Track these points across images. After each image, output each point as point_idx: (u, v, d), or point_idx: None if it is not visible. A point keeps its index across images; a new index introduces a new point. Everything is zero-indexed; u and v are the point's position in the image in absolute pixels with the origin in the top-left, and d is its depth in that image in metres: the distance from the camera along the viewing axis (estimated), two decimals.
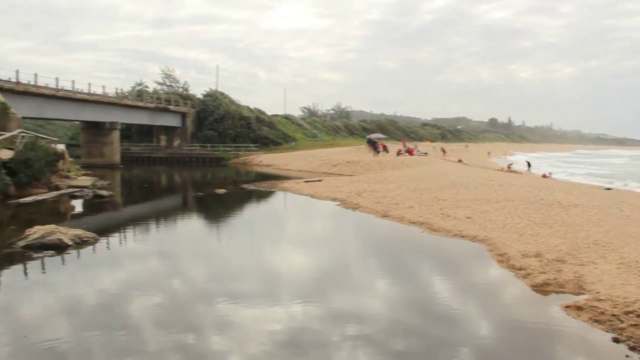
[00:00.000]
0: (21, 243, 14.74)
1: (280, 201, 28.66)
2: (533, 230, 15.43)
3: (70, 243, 14.78)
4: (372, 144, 56.18)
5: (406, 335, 8.74)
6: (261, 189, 32.68)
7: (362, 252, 15.81)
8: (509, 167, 46.91)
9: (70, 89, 50.25)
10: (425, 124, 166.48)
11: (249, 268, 13.48)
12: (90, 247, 15.10)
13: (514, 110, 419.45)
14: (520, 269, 12.01)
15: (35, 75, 45.00)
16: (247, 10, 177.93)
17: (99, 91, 56.54)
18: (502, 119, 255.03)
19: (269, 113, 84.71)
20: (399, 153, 53.42)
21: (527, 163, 47.10)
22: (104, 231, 17.61)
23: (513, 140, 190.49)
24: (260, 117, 77.31)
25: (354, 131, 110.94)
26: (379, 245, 16.50)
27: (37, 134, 33.88)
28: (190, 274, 12.97)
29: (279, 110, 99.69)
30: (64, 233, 15.10)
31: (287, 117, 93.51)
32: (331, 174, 43.12)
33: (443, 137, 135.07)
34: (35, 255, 13.98)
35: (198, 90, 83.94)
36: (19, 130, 30.55)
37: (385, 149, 56.40)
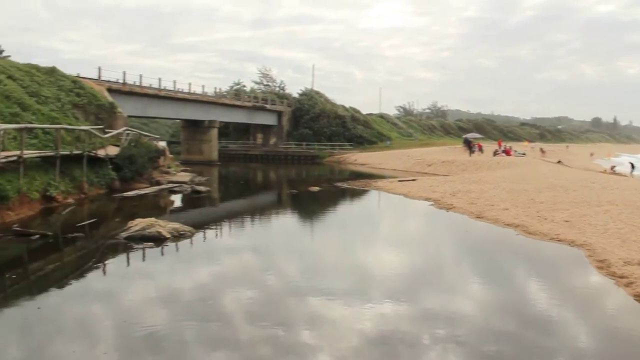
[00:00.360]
0: (124, 234, 15.52)
1: (374, 200, 28.61)
2: (638, 237, 14.60)
3: (168, 236, 15.40)
4: (468, 144, 55.08)
5: (499, 339, 8.52)
6: (355, 187, 32.75)
7: (454, 253, 15.54)
8: (612, 169, 44.58)
9: (171, 88, 52.19)
10: (523, 124, 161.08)
11: (341, 265, 13.56)
12: (187, 241, 15.65)
13: (620, 109, 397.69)
14: (621, 277, 11.41)
15: (140, 76, 47.14)
16: (343, 10, 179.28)
17: (199, 91, 58.42)
18: (607, 118, 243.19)
19: (364, 112, 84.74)
20: (495, 153, 52.06)
21: (630, 165, 44.51)
22: (201, 225, 18.19)
23: (619, 141, 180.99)
24: (355, 116, 77.44)
25: (450, 130, 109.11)
26: (472, 247, 16.15)
27: (141, 132, 35.46)
28: (283, 269, 13.21)
29: (374, 109, 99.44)
30: (163, 226, 15.74)
31: (382, 116, 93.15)
32: (425, 173, 42.61)
33: (542, 137, 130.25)
34: (136, 246, 14.68)
35: (294, 90, 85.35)
36: (125, 128, 32.08)
37: (480, 149, 55.14)
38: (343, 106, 79.69)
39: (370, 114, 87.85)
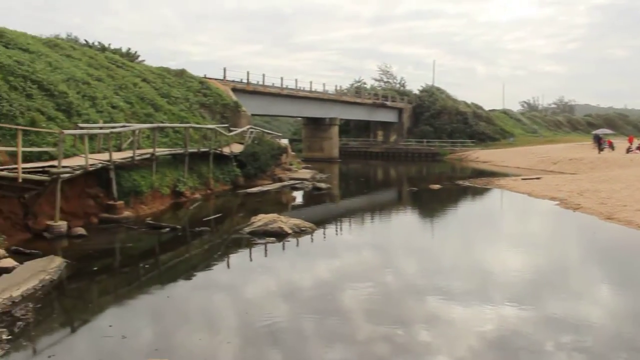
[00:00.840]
0: (247, 229, 16.01)
1: (496, 198, 27.72)
2: None
3: (289, 231, 15.70)
4: (598, 140, 52.01)
5: (632, 351, 7.93)
6: (476, 185, 31.91)
7: (582, 256, 14.71)
8: None
9: (293, 87, 53.27)
10: None
11: (461, 265, 13.24)
12: (307, 236, 15.89)
13: None
14: None
15: (263, 75, 48.41)
16: (464, 4, 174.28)
17: (320, 89, 59.16)
18: None
19: (486, 108, 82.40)
20: (628, 150, 48.80)
21: None
22: (321, 222, 18.40)
23: None
24: (477, 112, 75.46)
25: (578, 126, 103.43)
26: (602, 250, 15.21)
27: (264, 130, 36.48)
28: (402, 268, 13.08)
29: (497, 105, 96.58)
30: (285, 222, 16.07)
31: (505, 112, 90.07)
32: (550, 171, 40.69)
33: None
34: (258, 241, 15.11)
35: (414, 86, 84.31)
36: (248, 127, 33.13)
37: (611, 145, 51.84)
38: (465, 102, 77.89)
39: (493, 110, 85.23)
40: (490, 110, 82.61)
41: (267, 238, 15.25)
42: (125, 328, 8.64)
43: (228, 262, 13.74)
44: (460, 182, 34.25)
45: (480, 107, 79.32)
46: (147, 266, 12.95)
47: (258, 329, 8.62)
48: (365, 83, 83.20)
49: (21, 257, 12.32)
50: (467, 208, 25.93)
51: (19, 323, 8.69)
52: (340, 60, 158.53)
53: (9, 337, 8.11)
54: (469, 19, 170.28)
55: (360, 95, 67.40)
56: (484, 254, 14.80)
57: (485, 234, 17.91)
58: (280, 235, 15.44)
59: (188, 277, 12.12)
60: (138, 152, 19.50)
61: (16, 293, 9.83)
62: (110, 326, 8.68)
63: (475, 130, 70.84)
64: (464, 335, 8.35)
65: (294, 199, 26.08)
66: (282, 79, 51.08)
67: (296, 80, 53.79)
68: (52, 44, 28.02)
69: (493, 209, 25.26)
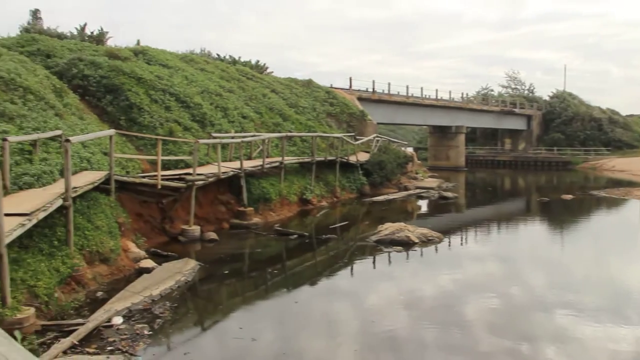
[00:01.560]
0: (374, 237, 16.00)
1: (634, 211, 25.86)
2: None
3: (416, 241, 15.49)
4: None
5: None
6: (613, 196, 29.95)
7: None
8: None
9: (418, 95, 52.81)
10: None
11: (594, 280, 12.49)
12: (434, 246, 15.60)
13: None
14: None
15: (389, 84, 48.37)
16: (599, 3, 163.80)
17: (445, 96, 58.26)
18: None
19: (623, 113, 77.24)
20: None
21: None
22: (447, 231, 18.02)
23: None
24: (613, 118, 70.92)
25: None
26: None
27: (389, 138, 36.39)
28: (529, 280, 12.50)
29: (635, 110, 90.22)
30: (412, 231, 15.88)
31: None
32: None
33: None
34: (385, 249, 15.03)
35: (544, 92, 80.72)
36: (374, 135, 33.18)
37: None
38: (599, 108, 73.48)
39: (631, 115, 79.77)
40: (627, 116, 77.39)
41: (394, 247, 15.15)
42: (255, 331, 8.86)
43: (353, 269, 13.78)
44: (595, 192, 32.29)
45: (616, 113, 74.50)
46: (274, 271, 13.28)
47: (380, 336, 8.59)
48: (492, 90, 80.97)
49: (159, 258, 13.06)
50: (602, 220, 24.36)
51: (158, 320, 9.16)
52: (464, 67, 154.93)
53: (150, 332, 8.58)
54: (605, 19, 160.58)
55: (487, 102, 65.58)
56: (620, 269, 13.83)
57: (622, 249, 16.71)
58: (407, 244, 15.29)
59: (313, 282, 12.28)
60: (267, 160, 20.07)
61: (155, 292, 10.39)
62: (240, 328, 8.94)
63: (611, 137, 66.59)
64: (596, 355, 7.81)
65: (419, 207, 25.74)
66: (407, 87, 50.83)
67: (421, 89, 53.35)
68: (188, 59, 29.57)
69: (632, 222, 23.56)
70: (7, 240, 7.98)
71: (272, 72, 43.78)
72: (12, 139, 11.58)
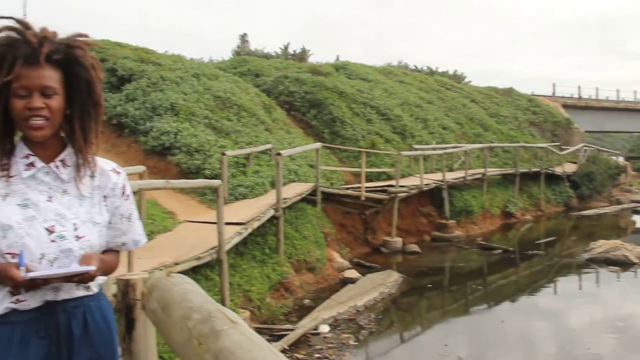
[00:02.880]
0: (585, 255, 15.02)
1: None
2: None
3: (636, 261, 14.26)
4: None
5: None
6: None
7: None
8: None
9: (631, 99, 48.73)
10: None
11: None
12: None
13: None
14: None
15: (596, 89, 45.29)
16: None
17: None
18: None
19: None
20: None
21: None
22: None
23: None
24: None
25: None
26: None
27: (599, 148, 33.99)
28: None
29: None
30: (630, 250, 14.66)
31: None
32: None
33: None
34: (598, 268, 14.05)
35: None
36: (582, 144, 31.17)
37: None
38: None
39: None
40: None
41: (608, 266, 14.08)
42: (460, 349, 8.74)
43: (557, 287, 13.15)
44: None
45: None
46: (475, 286, 13.01)
47: None
48: None
49: (362, 269, 13.37)
50: None
51: (363, 331, 9.38)
52: None
53: (355, 342, 8.81)
54: None
55: None
56: None
57: None
58: (624, 264, 14.12)
59: (514, 299, 11.90)
60: (469, 172, 19.72)
61: (360, 303, 10.65)
62: (445, 345, 8.85)
63: None
64: None
65: (633, 223, 23.71)
66: (617, 91, 47.21)
67: (635, 92, 49.15)
68: (387, 71, 30.07)
69: None
70: (227, 247, 8.66)
71: (470, 81, 43.08)
72: (230, 153, 12.64)
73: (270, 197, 12.01)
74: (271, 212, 11.10)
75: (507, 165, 23.95)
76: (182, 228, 10.07)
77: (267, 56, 32.18)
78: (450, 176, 18.96)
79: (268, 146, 14.86)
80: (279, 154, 11.73)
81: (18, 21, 1.81)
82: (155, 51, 19.30)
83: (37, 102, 1.77)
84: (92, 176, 1.93)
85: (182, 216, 10.91)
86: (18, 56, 1.74)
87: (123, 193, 2.01)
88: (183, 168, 13.32)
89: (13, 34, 1.80)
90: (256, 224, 10.36)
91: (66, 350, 1.87)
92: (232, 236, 9.12)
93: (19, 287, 1.75)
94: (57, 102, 1.81)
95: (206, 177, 12.24)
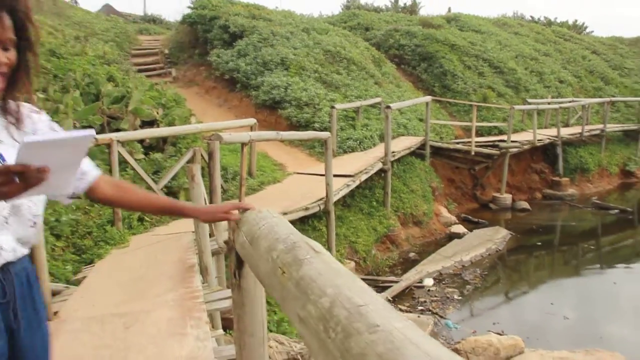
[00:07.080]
0: None
1: None
2: None
3: None
4: None
5: None
6: None
7: None
8: None
9: None
10: None
11: None
12: None
13: None
14: None
15: None
16: None
17: None
18: None
19: None
20: None
21: None
22: None
23: None
24: None
25: None
26: None
27: None
28: None
29: None
30: None
31: None
32: None
33: None
34: None
35: None
36: None
37: None
38: None
39: None
40: None
41: None
42: (566, 308, 8.57)
43: None
44: None
45: None
46: (588, 246, 12.58)
47: None
48: None
49: (469, 224, 13.28)
50: None
51: (468, 286, 9.41)
52: None
53: (459, 297, 8.86)
54: None
55: None
56: None
57: None
58: None
59: (630, 263, 11.38)
60: (587, 128, 18.79)
61: (465, 258, 10.65)
62: (551, 304, 8.71)
63: None
64: None
65: None
66: None
67: None
68: (501, 23, 28.93)
69: None
70: (335, 199, 8.88)
71: (592, 31, 40.45)
72: (339, 106, 12.78)
73: (378, 151, 12.11)
74: (379, 165, 11.22)
75: (630, 121, 22.54)
76: (291, 180, 10.41)
77: (377, 10, 31.68)
78: (566, 132, 18.18)
79: (377, 100, 14.88)
80: (388, 107, 11.74)
81: None
82: (266, 7, 19.66)
83: (1, 56, 1.57)
84: (20, 121, 1.71)
85: (292, 168, 11.25)
86: None
87: (51, 128, 1.80)
88: (293, 121, 13.66)
89: None
90: (364, 177, 10.53)
91: (13, 312, 1.71)
92: (340, 188, 9.33)
93: None
94: (15, 55, 1.60)
95: (315, 130, 12.48)
